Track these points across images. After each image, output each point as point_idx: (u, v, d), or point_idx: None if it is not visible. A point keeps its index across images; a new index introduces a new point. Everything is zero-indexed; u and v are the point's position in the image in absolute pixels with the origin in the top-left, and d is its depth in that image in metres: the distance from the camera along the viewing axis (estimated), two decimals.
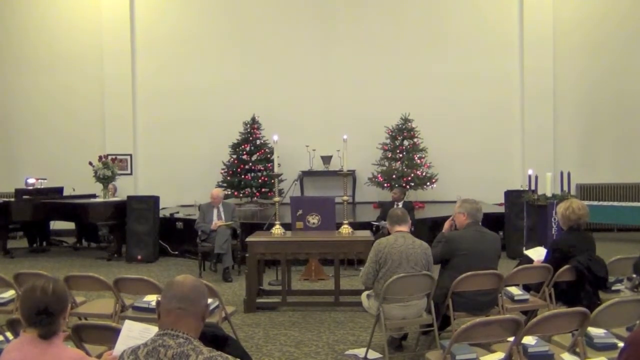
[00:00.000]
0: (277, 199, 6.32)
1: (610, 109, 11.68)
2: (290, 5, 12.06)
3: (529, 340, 3.29)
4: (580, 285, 4.32)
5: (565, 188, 7.34)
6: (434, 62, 11.78)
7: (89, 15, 11.96)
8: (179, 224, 9.37)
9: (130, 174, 11.88)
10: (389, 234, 4.56)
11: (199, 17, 12.14)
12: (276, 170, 6.41)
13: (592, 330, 3.37)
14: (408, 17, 11.94)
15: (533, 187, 7.63)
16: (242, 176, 11.20)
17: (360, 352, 4.60)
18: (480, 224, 4.58)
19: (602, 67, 11.63)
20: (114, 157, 9.95)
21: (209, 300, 3.44)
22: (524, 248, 5.81)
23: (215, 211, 7.98)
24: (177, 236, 9.31)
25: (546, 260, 4.59)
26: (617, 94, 11.66)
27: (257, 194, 11.26)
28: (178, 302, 2.05)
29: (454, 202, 5.02)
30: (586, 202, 5.13)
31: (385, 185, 10.96)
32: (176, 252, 9.24)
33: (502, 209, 9.33)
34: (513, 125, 11.89)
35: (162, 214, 9.67)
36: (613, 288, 4.56)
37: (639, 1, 11.64)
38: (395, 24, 11.92)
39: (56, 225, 10.39)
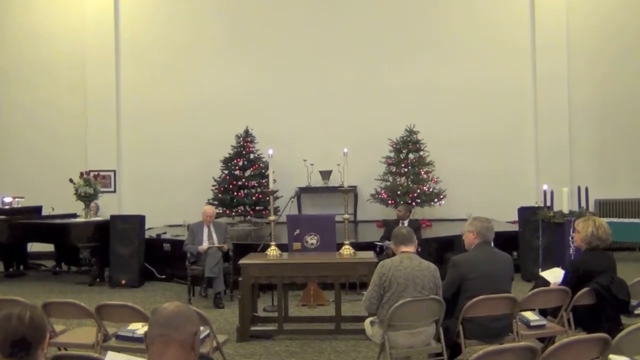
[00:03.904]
0: (272, 217, 6.32)
1: (630, 119, 11.71)
2: (285, 11, 12.18)
3: None
4: (601, 309, 4.32)
5: (583, 204, 7.35)
6: (441, 71, 11.87)
7: (70, 22, 12.07)
8: (167, 246, 9.36)
9: (114, 191, 11.89)
10: (393, 254, 4.56)
11: (188, 24, 12.24)
12: (271, 186, 6.42)
13: (614, 358, 3.35)
14: (413, 24, 12.04)
15: (548, 204, 7.64)
16: (235, 193, 11.21)
17: None
18: (491, 244, 4.58)
19: (620, 75, 11.70)
20: (96, 173, 9.96)
21: (200, 328, 3.42)
22: (540, 269, 5.82)
23: (205, 231, 7.97)
24: (164, 259, 9.28)
25: (564, 282, 4.58)
26: (636, 102, 11.70)
27: (251, 212, 11.26)
28: (160, 329, 2.04)
29: (464, 219, 5.02)
30: (606, 219, 5.16)
31: (390, 202, 10.96)
32: (163, 276, 9.21)
33: (515, 228, 9.32)
34: (526, 136, 11.94)
35: (147, 234, 9.65)
36: (636, 312, 4.54)
37: None
38: (399, 31, 12.02)
39: (34, 247, 10.38)
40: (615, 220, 10.08)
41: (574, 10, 11.78)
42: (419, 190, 10.93)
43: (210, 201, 11.08)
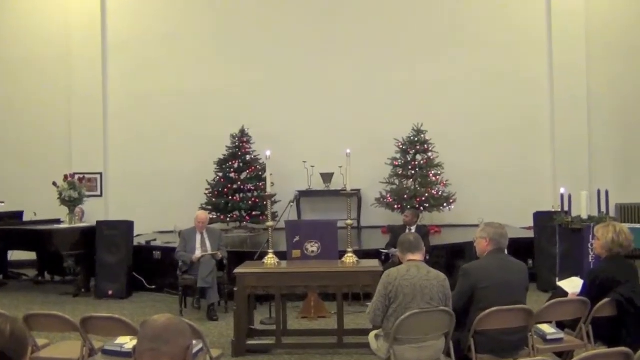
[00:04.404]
0: (270, 223, 6.32)
1: None
2: (285, 3, 12.18)
3: None
4: (622, 321, 4.32)
5: (603, 209, 7.35)
6: (450, 65, 11.87)
7: (54, 13, 12.07)
8: (157, 254, 9.36)
9: (100, 195, 11.89)
10: (400, 263, 4.56)
11: (180, 15, 12.26)
12: (269, 190, 6.42)
13: None
14: (419, 16, 12.06)
15: (566, 208, 7.63)
16: (230, 197, 11.21)
17: None
18: (505, 251, 4.58)
19: None
20: (81, 176, 9.98)
21: (193, 342, 3.43)
22: (557, 279, 5.81)
23: (198, 238, 7.98)
24: (154, 268, 9.28)
25: (583, 292, 4.59)
26: None
27: (247, 217, 11.26)
28: (150, 342, 2.04)
29: (476, 225, 5.03)
30: (627, 225, 5.16)
31: (396, 206, 10.97)
32: (153, 287, 9.21)
33: (531, 234, 9.33)
34: (542, 136, 11.94)
35: (136, 241, 9.66)
36: None
37: None
38: (404, 24, 12.04)
39: (15, 255, 10.36)
40: (637, 225, 10.04)
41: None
42: (427, 194, 10.92)
43: (204, 206, 11.08)
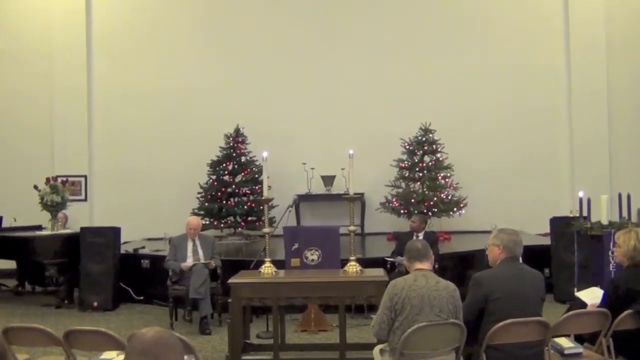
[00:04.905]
0: (267, 229, 6.32)
1: None
2: None
3: None
4: None
5: (625, 214, 7.34)
6: (460, 61, 11.88)
7: (36, 3, 12.07)
8: (145, 262, 9.37)
9: (85, 199, 11.91)
10: (406, 272, 4.56)
11: (171, 7, 12.28)
12: (266, 194, 6.42)
13: None
14: (428, 7, 12.07)
15: (585, 213, 7.63)
16: (224, 202, 11.21)
17: None
18: (520, 260, 4.58)
19: None
20: (64, 179, 9.97)
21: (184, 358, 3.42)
22: (576, 289, 5.80)
23: (190, 245, 7.98)
24: (143, 277, 9.30)
25: (603, 303, 4.58)
26: None
27: (242, 223, 11.26)
28: (138, 357, 2.04)
29: (488, 232, 5.02)
30: None
31: (402, 211, 10.97)
32: (141, 298, 9.22)
33: (547, 240, 9.34)
34: (559, 136, 11.95)
35: (123, 249, 9.68)
36: None
37: None
38: (411, 13, 12.05)
39: None
40: None
41: None
42: (435, 198, 10.92)
43: (196, 211, 11.08)
